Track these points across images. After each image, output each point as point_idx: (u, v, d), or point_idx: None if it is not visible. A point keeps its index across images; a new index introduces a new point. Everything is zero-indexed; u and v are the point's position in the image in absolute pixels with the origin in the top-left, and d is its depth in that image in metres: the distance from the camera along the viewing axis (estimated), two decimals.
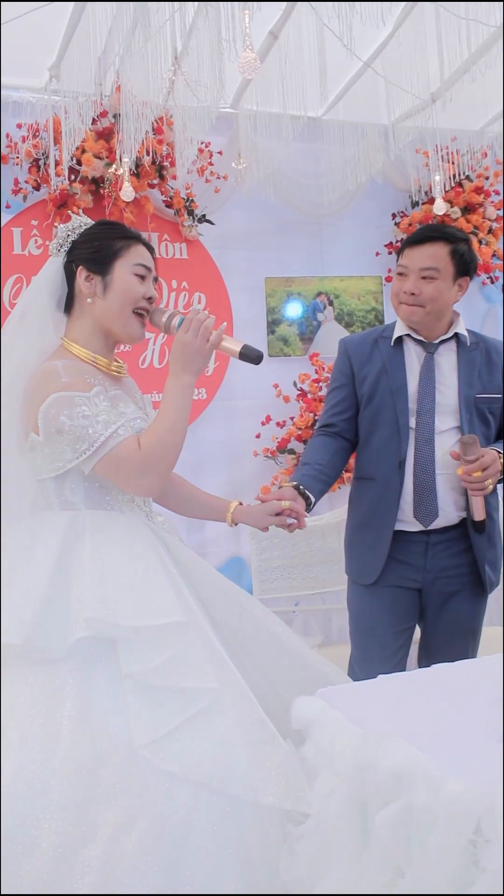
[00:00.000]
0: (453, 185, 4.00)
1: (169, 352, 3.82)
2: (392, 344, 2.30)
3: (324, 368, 3.96)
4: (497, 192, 4.26)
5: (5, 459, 1.71)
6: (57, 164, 3.41)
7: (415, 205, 4.20)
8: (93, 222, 1.82)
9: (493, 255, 4.23)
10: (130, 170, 3.47)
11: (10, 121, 3.54)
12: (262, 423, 4.01)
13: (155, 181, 3.71)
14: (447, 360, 2.26)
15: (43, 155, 3.49)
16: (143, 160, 3.49)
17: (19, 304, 1.76)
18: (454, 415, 2.22)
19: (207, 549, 3.97)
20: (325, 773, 1.36)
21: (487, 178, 4.22)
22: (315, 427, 2.46)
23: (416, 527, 2.22)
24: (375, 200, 4.13)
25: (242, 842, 1.45)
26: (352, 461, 2.45)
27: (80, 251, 1.76)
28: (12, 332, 1.73)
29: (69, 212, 1.92)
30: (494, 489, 2.21)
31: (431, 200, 4.01)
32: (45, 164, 3.48)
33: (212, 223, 3.91)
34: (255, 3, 2.30)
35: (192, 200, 3.81)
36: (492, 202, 4.23)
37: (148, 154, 3.49)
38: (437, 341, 2.27)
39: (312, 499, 2.20)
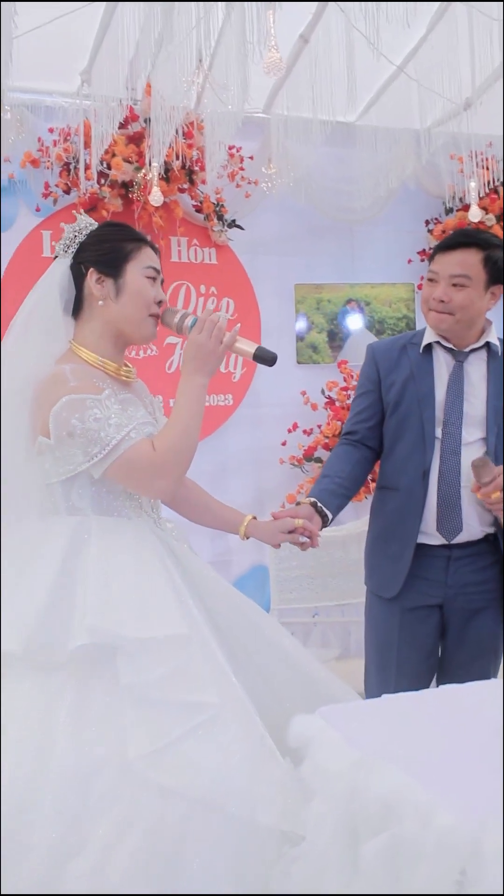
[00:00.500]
0: (488, 191, 3.92)
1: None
2: (421, 351, 2.24)
3: (352, 376, 3.90)
4: None
5: (13, 464, 1.70)
6: (87, 168, 3.41)
7: (449, 211, 4.12)
8: (97, 223, 1.80)
9: None
10: (160, 174, 3.46)
11: (43, 125, 3.56)
12: (289, 431, 3.97)
13: (185, 185, 3.69)
14: (477, 369, 2.19)
15: (73, 159, 3.50)
16: (172, 164, 3.48)
17: (25, 306, 1.74)
18: (482, 426, 2.15)
19: (231, 557, 3.94)
20: (320, 795, 1.31)
21: None
22: (340, 435, 2.41)
23: (438, 540, 2.16)
24: (408, 206, 4.07)
25: (237, 860, 1.41)
26: (376, 469, 2.39)
27: (90, 253, 1.73)
28: (18, 335, 1.71)
29: (73, 211, 1.89)
30: None
31: (466, 207, 3.94)
32: (75, 167, 3.49)
33: (241, 228, 3.89)
34: (281, 2, 2.26)
35: (222, 205, 3.79)
36: None
37: (178, 158, 3.48)
38: (467, 350, 2.20)
39: (330, 516, 2.16)
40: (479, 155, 3.68)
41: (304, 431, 3.98)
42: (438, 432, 2.16)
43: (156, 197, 3.39)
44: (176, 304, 3.84)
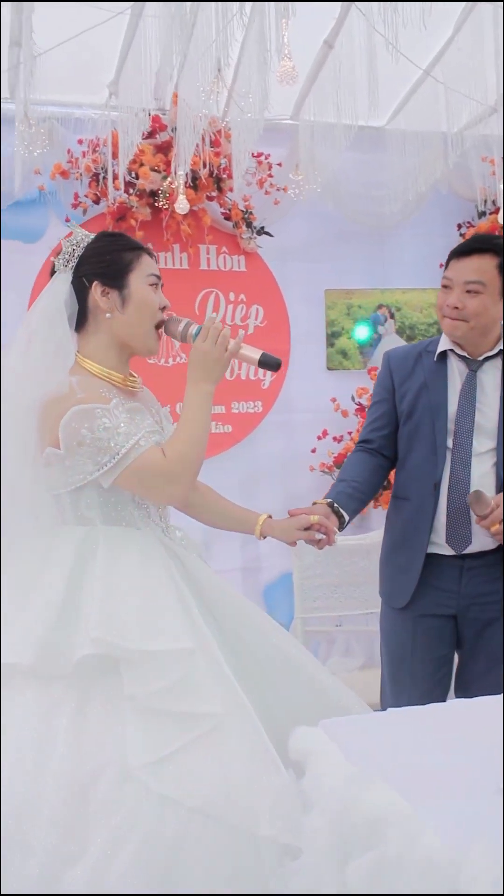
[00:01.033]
0: None
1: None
2: (435, 359, 2.21)
3: None
4: None
5: (22, 476, 1.72)
6: (115, 178, 3.45)
7: (482, 215, 4.06)
8: (93, 235, 1.81)
9: None
10: (187, 183, 3.47)
11: (72, 137, 3.61)
12: (319, 438, 3.95)
13: (213, 193, 3.71)
14: (491, 377, 2.16)
15: (102, 169, 3.53)
16: (199, 173, 3.49)
17: (29, 323, 1.75)
18: (493, 436, 2.11)
19: (261, 564, 3.93)
20: (315, 809, 1.30)
21: None
22: (357, 442, 2.40)
23: (449, 551, 2.13)
24: (440, 210, 4.02)
25: (235, 871, 1.40)
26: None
27: (91, 266, 1.75)
28: (22, 351, 1.73)
29: (67, 224, 1.90)
30: None
31: (498, 210, 3.87)
32: (104, 178, 3.53)
33: (270, 235, 3.88)
34: (302, 5, 2.26)
35: (251, 212, 3.80)
36: None
37: (205, 167, 3.49)
38: (481, 358, 2.17)
39: (346, 517, 2.14)
40: None
41: (335, 438, 3.95)
42: (449, 442, 2.13)
43: (182, 205, 3.40)
44: (205, 312, 3.86)
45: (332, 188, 3.80)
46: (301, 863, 1.30)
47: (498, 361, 2.17)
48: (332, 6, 2.91)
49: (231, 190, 3.66)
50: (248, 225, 3.82)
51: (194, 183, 3.55)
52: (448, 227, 4.10)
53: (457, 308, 2.10)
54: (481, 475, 2.09)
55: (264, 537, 2.01)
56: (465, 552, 2.11)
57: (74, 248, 1.77)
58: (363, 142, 3.78)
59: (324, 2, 2.70)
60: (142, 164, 3.51)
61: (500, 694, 1.57)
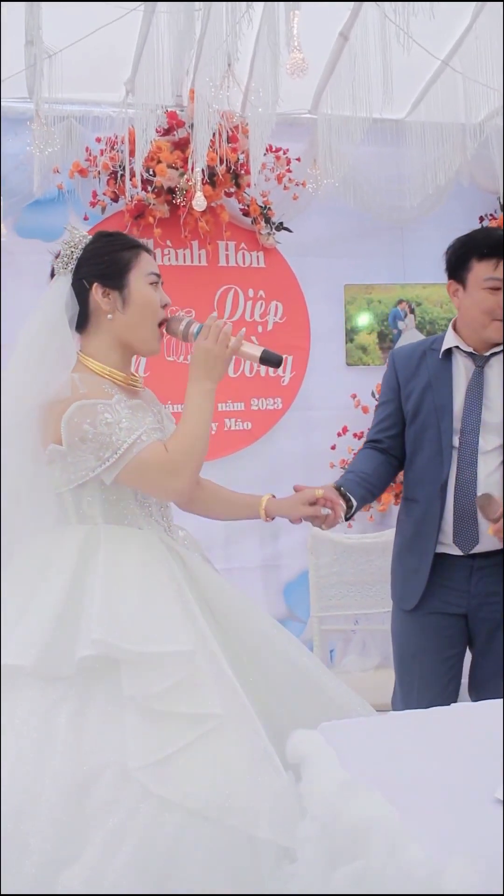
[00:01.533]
0: None
1: (243, 362, 3.80)
2: (440, 357, 2.17)
3: None
4: None
5: (25, 476, 1.73)
6: (132, 175, 3.45)
7: None
8: (90, 236, 1.81)
9: None
10: (204, 179, 3.46)
11: (90, 135, 3.61)
12: (339, 435, 3.92)
13: (231, 189, 3.69)
14: (497, 373, 2.12)
15: (120, 167, 3.54)
16: (216, 169, 3.48)
17: (31, 326, 1.76)
18: (500, 433, 2.07)
19: (280, 562, 3.92)
20: (307, 816, 1.28)
21: None
22: (365, 442, 2.37)
23: (457, 551, 2.10)
24: (461, 203, 3.95)
25: (233, 873, 1.40)
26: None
27: (91, 267, 1.75)
28: (24, 354, 1.73)
29: (65, 227, 1.90)
30: None
31: None
32: (122, 176, 3.53)
33: (289, 230, 3.85)
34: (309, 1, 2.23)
35: (269, 208, 3.77)
36: None
37: (222, 162, 3.48)
38: (487, 353, 2.13)
39: (354, 502, 2.10)
40: None
41: (355, 435, 3.92)
42: (456, 441, 2.09)
43: (199, 202, 3.39)
44: (224, 309, 3.85)
45: (352, 182, 3.76)
46: (295, 868, 1.29)
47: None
48: None
49: (249, 186, 3.64)
50: (267, 220, 3.80)
51: (212, 179, 3.54)
52: (470, 220, 4.03)
53: None
54: (488, 474, 2.05)
55: (271, 518, 1.97)
56: (473, 552, 2.08)
57: (73, 250, 1.76)
58: (383, 135, 3.74)
59: (333, 1, 2.67)
60: (159, 162, 3.50)
61: (488, 701, 1.54)
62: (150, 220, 3.60)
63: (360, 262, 3.97)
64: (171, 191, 3.54)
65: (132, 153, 3.43)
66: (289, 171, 3.77)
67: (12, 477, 1.75)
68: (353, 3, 2.87)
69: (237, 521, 2.07)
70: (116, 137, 3.56)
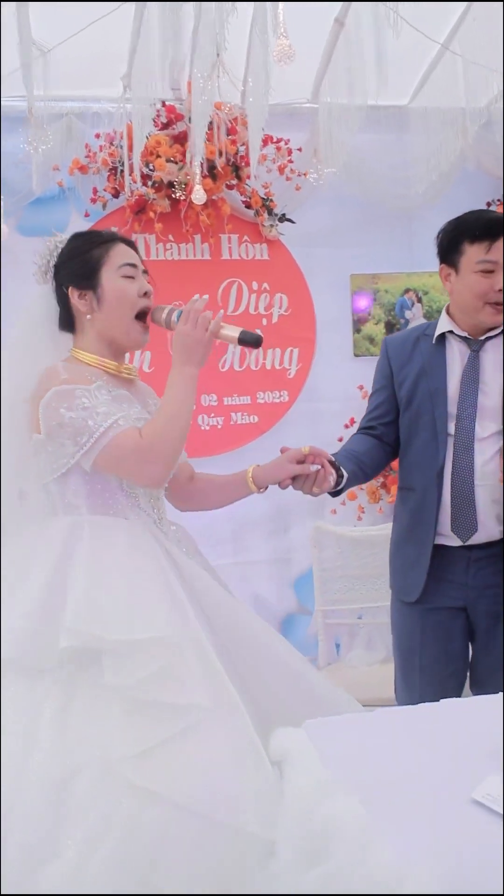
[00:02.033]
0: None
1: (248, 355, 3.78)
2: (434, 342, 2.14)
3: None
4: None
5: (10, 468, 1.74)
6: (132, 171, 3.43)
7: None
8: (65, 239, 1.81)
9: None
10: (204, 172, 3.43)
11: (90, 131, 3.60)
12: (346, 427, 3.87)
13: (233, 182, 3.66)
14: (493, 357, 2.08)
15: (119, 163, 3.52)
16: (216, 161, 3.45)
17: (16, 333, 1.78)
18: (496, 418, 2.03)
19: (291, 556, 3.90)
20: (286, 813, 1.27)
21: None
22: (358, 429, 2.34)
23: (455, 541, 2.06)
24: (467, 188, 3.87)
25: (218, 867, 1.38)
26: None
27: (65, 272, 1.77)
28: (14, 360, 1.75)
29: (45, 238, 1.89)
30: None
31: None
32: (121, 171, 3.52)
33: (292, 222, 3.82)
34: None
35: (271, 200, 3.74)
36: None
37: (221, 155, 3.45)
38: (482, 338, 2.09)
39: (344, 473, 2.05)
40: None
41: None
42: (451, 428, 2.06)
43: (199, 195, 3.37)
44: (227, 303, 3.83)
45: (355, 171, 3.71)
46: (274, 867, 1.28)
47: (499, 341, 2.09)
48: None
49: (249, 178, 3.61)
50: (269, 212, 3.76)
51: (212, 172, 3.51)
52: (477, 206, 3.91)
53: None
54: (485, 461, 2.01)
55: (263, 489, 1.93)
56: (471, 542, 2.04)
57: (49, 258, 1.78)
58: (385, 121, 3.70)
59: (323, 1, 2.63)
60: (158, 156, 3.48)
61: (490, 696, 1.51)
62: (151, 214, 3.59)
63: (366, 252, 3.93)
64: (171, 185, 3.52)
65: (131, 148, 3.41)
66: (290, 161, 3.73)
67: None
68: None
69: (246, 514, 2.04)
70: (115, 133, 3.54)
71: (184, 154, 3.50)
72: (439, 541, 2.08)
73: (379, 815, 1.09)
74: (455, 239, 2.10)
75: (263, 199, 3.72)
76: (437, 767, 1.24)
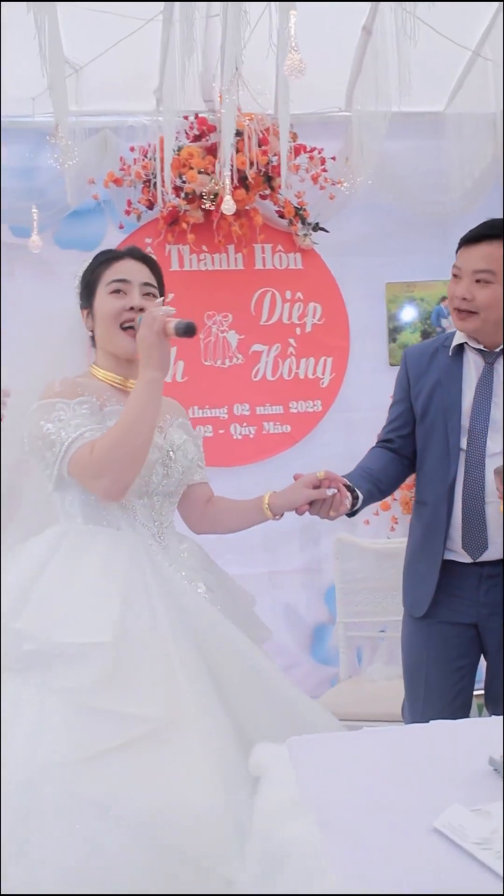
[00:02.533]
0: None
1: (282, 362, 3.78)
2: (451, 354, 2.10)
3: None
4: None
5: (17, 480, 1.78)
6: (163, 183, 3.47)
7: None
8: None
9: None
10: (235, 183, 3.45)
11: (125, 145, 3.66)
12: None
13: (266, 192, 3.67)
14: None
15: (153, 175, 3.57)
16: (246, 172, 3.46)
17: (49, 346, 1.92)
18: None
19: (322, 566, 3.87)
20: (252, 833, 1.26)
21: None
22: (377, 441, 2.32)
23: (466, 558, 2.02)
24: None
25: (175, 882, 1.35)
26: None
27: (78, 292, 1.87)
28: (39, 371, 1.83)
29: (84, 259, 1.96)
30: None
31: None
32: (155, 183, 3.56)
33: (326, 231, 3.81)
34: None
35: (304, 209, 3.73)
36: None
37: (252, 165, 3.46)
38: (498, 350, 2.05)
39: (360, 495, 2.04)
40: None
41: None
42: (463, 443, 2.01)
43: (228, 206, 3.38)
44: (261, 312, 3.84)
45: (389, 179, 3.68)
46: (237, 887, 1.27)
47: None
48: None
49: (279, 187, 3.61)
50: (303, 221, 3.76)
51: (244, 182, 3.53)
52: None
53: (465, 299, 1.99)
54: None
55: (278, 516, 1.91)
56: (483, 559, 2.00)
57: (77, 281, 1.88)
58: (420, 128, 3.66)
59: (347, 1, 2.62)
60: (190, 168, 3.52)
61: (484, 719, 1.48)
62: (184, 226, 3.62)
63: (401, 260, 3.89)
64: (202, 196, 3.55)
65: (163, 161, 3.46)
66: (324, 170, 3.72)
67: (8, 483, 1.82)
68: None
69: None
70: (149, 146, 3.59)
71: (215, 165, 3.52)
72: (450, 557, 2.04)
73: (340, 838, 1.07)
74: (458, 247, 2.09)
75: (297, 208, 3.72)
76: (408, 792, 1.21)
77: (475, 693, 2.13)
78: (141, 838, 1.34)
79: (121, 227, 3.70)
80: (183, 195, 3.55)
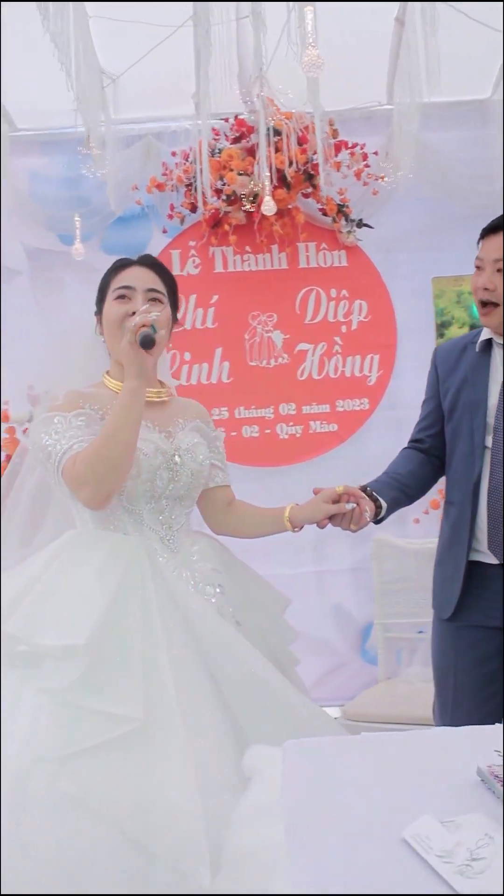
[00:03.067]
0: None
1: (328, 361, 3.76)
2: (478, 350, 2.05)
3: None
4: None
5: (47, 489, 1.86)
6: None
7: None
8: None
9: None
10: (273, 183, 3.44)
11: (167, 150, 3.71)
12: None
13: (308, 190, 3.66)
14: None
15: (194, 178, 3.60)
16: (285, 171, 3.45)
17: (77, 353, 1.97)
18: None
19: (371, 564, 3.82)
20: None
21: None
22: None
23: (492, 558, 1.97)
24: None
25: (145, 881, 1.36)
26: None
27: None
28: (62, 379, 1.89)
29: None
30: None
31: None
32: (196, 187, 3.59)
33: (370, 227, 3.76)
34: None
35: (347, 206, 3.70)
36: None
37: (291, 164, 3.45)
38: None
39: (383, 503, 2.02)
40: None
41: None
42: (489, 441, 1.96)
43: (268, 206, 3.38)
44: (305, 311, 3.82)
45: (434, 171, 3.61)
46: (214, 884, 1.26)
47: None
48: None
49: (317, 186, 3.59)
50: (346, 218, 3.73)
51: (284, 182, 3.52)
52: None
53: (487, 289, 1.94)
54: None
55: (298, 528, 1.92)
56: None
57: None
58: (464, 118, 3.58)
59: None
60: (230, 170, 3.53)
61: (487, 727, 1.44)
62: (227, 227, 3.64)
63: (448, 254, 3.79)
64: (242, 197, 3.56)
65: (201, 164, 3.48)
66: (367, 166, 3.68)
67: (37, 493, 1.89)
68: None
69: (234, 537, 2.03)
70: (191, 150, 3.62)
71: (254, 166, 3.52)
72: (476, 557, 2.00)
73: (310, 843, 1.06)
74: (479, 238, 2.04)
75: (339, 205, 3.69)
76: (390, 799, 1.19)
77: None
78: (115, 835, 1.36)
79: (164, 232, 3.75)
80: (223, 197, 3.57)
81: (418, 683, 2.64)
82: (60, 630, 1.50)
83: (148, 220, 3.81)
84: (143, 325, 1.66)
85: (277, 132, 3.45)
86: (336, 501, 1.91)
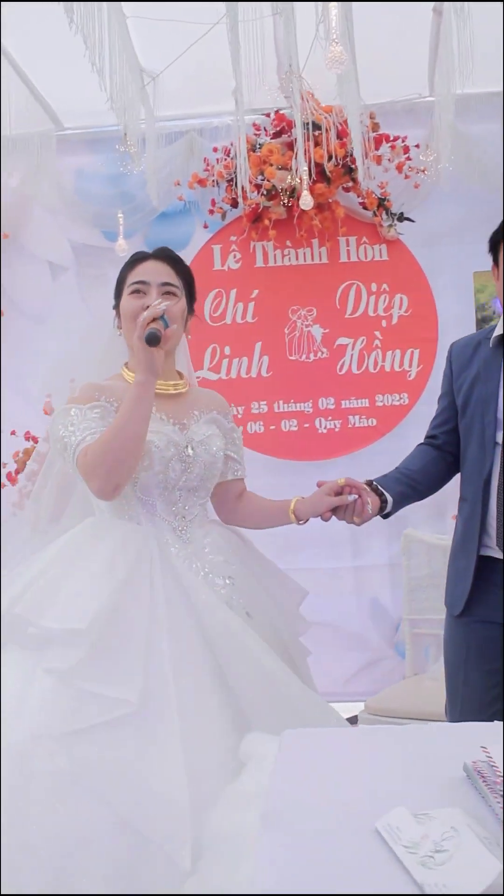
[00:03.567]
0: None
1: (368, 355, 3.73)
2: (492, 345, 2.04)
3: None
4: None
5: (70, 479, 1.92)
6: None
7: None
8: None
9: None
10: (314, 177, 3.45)
11: (209, 146, 3.74)
12: None
13: (349, 184, 3.65)
14: None
15: (235, 173, 3.63)
16: (324, 165, 3.46)
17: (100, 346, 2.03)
18: None
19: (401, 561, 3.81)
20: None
21: None
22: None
23: (502, 554, 1.95)
24: None
25: (139, 861, 1.41)
26: None
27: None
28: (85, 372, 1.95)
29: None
30: None
31: None
32: (237, 182, 3.62)
33: (412, 220, 3.73)
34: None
35: (387, 199, 3.68)
36: None
37: (330, 158, 3.45)
38: None
39: (388, 498, 2.03)
40: None
41: None
42: (499, 437, 1.95)
43: (306, 200, 3.39)
44: (346, 305, 3.82)
45: (476, 163, 3.56)
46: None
47: None
48: None
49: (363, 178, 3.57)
50: (387, 212, 3.71)
51: (324, 176, 3.52)
52: None
53: None
54: None
55: (303, 521, 1.96)
56: None
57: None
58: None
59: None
60: (270, 165, 3.55)
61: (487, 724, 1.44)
62: (267, 222, 3.66)
63: None
64: (282, 192, 3.58)
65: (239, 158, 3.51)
66: (408, 158, 3.65)
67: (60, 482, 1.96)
68: None
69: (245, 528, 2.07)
70: (231, 145, 3.65)
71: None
72: (488, 553, 1.99)
73: (288, 831, 1.09)
74: (495, 237, 2.01)
75: (380, 199, 3.67)
76: (375, 791, 1.21)
77: None
78: (110, 815, 1.42)
79: (205, 227, 3.79)
80: (263, 192, 3.59)
81: (443, 680, 2.62)
82: (66, 614, 1.56)
83: (190, 215, 3.86)
84: (153, 320, 1.70)
85: (317, 126, 3.45)
86: (338, 493, 1.93)
